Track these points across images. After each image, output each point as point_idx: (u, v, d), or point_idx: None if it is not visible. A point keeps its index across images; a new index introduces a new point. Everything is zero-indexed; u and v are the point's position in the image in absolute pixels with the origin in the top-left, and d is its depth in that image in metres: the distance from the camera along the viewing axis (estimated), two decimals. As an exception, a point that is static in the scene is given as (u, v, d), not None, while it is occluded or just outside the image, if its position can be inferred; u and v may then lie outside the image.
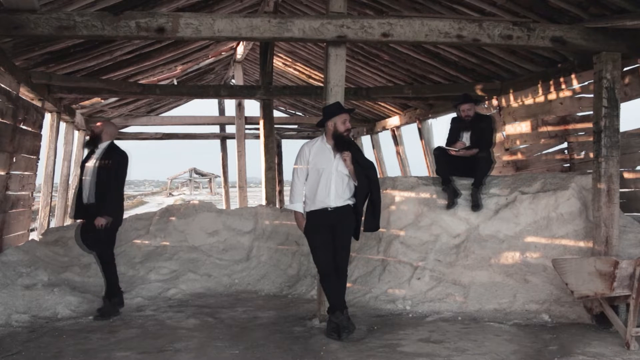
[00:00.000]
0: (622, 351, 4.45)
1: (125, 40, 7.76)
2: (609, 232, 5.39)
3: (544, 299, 5.66)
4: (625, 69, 6.10)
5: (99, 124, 5.95)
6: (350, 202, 5.04)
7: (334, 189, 4.97)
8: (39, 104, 8.38)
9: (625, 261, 4.52)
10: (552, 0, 5.69)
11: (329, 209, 4.97)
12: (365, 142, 15.68)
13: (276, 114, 13.78)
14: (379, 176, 5.34)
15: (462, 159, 6.75)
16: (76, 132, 12.14)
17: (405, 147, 13.75)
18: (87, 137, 5.97)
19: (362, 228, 5.15)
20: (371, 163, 5.16)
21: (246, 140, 13.60)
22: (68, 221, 11.51)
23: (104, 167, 5.64)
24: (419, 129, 12.02)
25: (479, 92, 8.74)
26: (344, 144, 4.98)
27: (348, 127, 5.00)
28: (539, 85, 7.76)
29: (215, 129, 17.15)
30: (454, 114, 7.25)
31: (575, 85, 7.18)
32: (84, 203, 5.71)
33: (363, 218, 5.13)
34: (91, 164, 5.73)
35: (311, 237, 5.05)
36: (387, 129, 13.87)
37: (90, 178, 5.67)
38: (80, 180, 5.83)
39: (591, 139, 5.74)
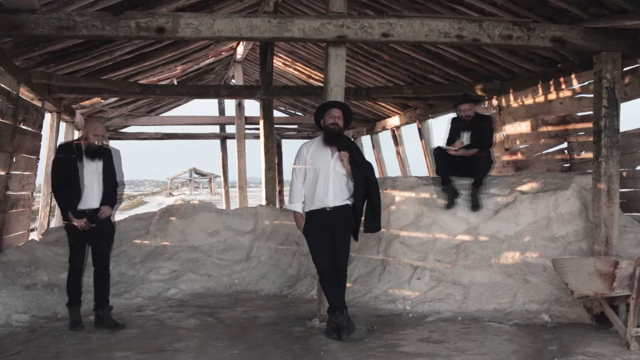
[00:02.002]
0: (622, 351, 4.45)
1: (125, 40, 7.76)
2: (609, 232, 5.39)
3: (544, 299, 5.66)
4: (625, 69, 6.10)
5: (103, 135, 5.34)
6: (349, 202, 5.03)
7: (332, 188, 4.96)
8: (39, 104, 8.39)
9: (625, 261, 4.52)
10: (552, 0, 5.69)
11: (328, 209, 4.97)
12: (365, 142, 15.70)
13: (276, 114, 13.79)
14: (378, 176, 5.33)
15: (462, 159, 6.75)
16: (76, 132, 12.13)
17: (405, 147, 13.76)
18: (91, 148, 5.25)
19: (361, 228, 5.14)
20: (369, 164, 5.14)
21: (246, 140, 13.61)
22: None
23: (110, 169, 5.40)
24: (419, 129, 12.03)
25: (479, 92, 8.74)
26: (332, 137, 4.97)
27: (335, 121, 4.97)
28: (539, 85, 7.76)
29: (215, 129, 17.18)
30: (454, 114, 7.25)
31: (575, 85, 7.18)
32: (81, 210, 5.20)
33: (363, 219, 5.12)
34: (93, 168, 5.27)
35: (310, 237, 5.04)
36: (387, 129, 13.88)
37: (96, 183, 5.27)
38: (75, 187, 5.18)
39: (591, 139, 5.74)
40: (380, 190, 6.81)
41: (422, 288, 6.02)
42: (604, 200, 5.40)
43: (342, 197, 4.99)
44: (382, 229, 6.50)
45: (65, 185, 5.19)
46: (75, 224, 5.16)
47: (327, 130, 5.00)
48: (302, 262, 7.15)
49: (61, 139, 10.40)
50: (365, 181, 4.98)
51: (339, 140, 5.00)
